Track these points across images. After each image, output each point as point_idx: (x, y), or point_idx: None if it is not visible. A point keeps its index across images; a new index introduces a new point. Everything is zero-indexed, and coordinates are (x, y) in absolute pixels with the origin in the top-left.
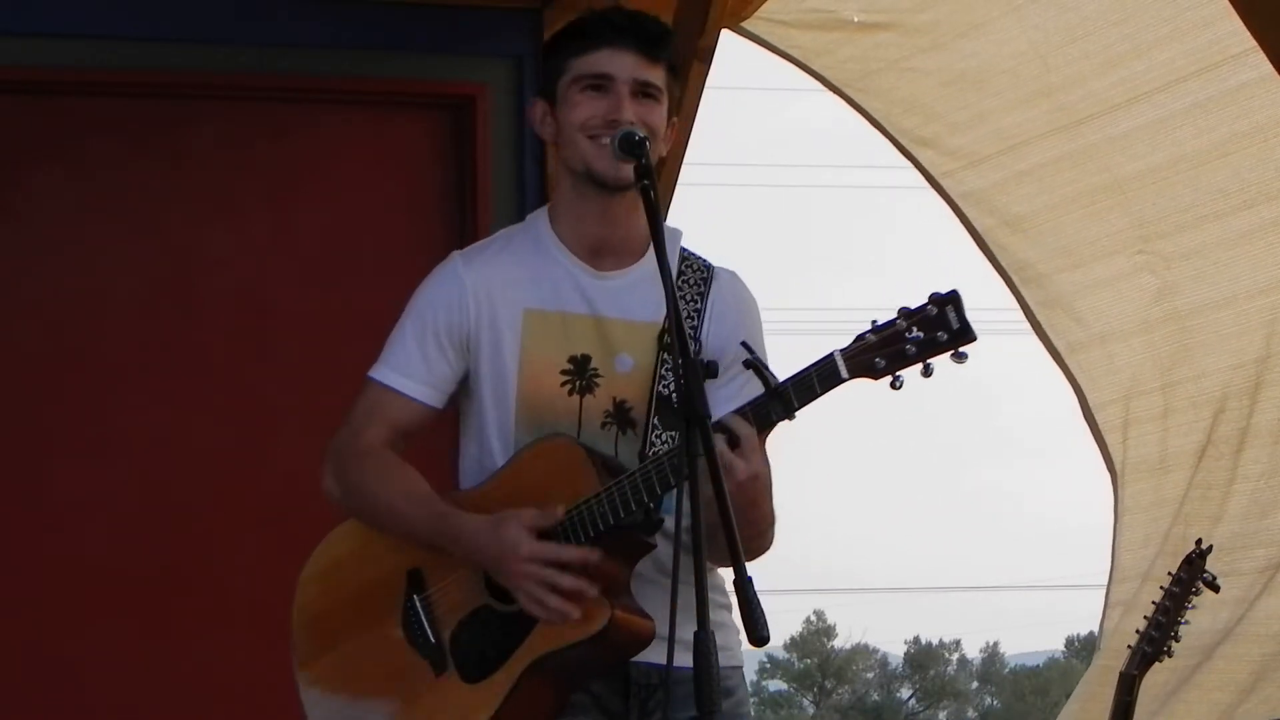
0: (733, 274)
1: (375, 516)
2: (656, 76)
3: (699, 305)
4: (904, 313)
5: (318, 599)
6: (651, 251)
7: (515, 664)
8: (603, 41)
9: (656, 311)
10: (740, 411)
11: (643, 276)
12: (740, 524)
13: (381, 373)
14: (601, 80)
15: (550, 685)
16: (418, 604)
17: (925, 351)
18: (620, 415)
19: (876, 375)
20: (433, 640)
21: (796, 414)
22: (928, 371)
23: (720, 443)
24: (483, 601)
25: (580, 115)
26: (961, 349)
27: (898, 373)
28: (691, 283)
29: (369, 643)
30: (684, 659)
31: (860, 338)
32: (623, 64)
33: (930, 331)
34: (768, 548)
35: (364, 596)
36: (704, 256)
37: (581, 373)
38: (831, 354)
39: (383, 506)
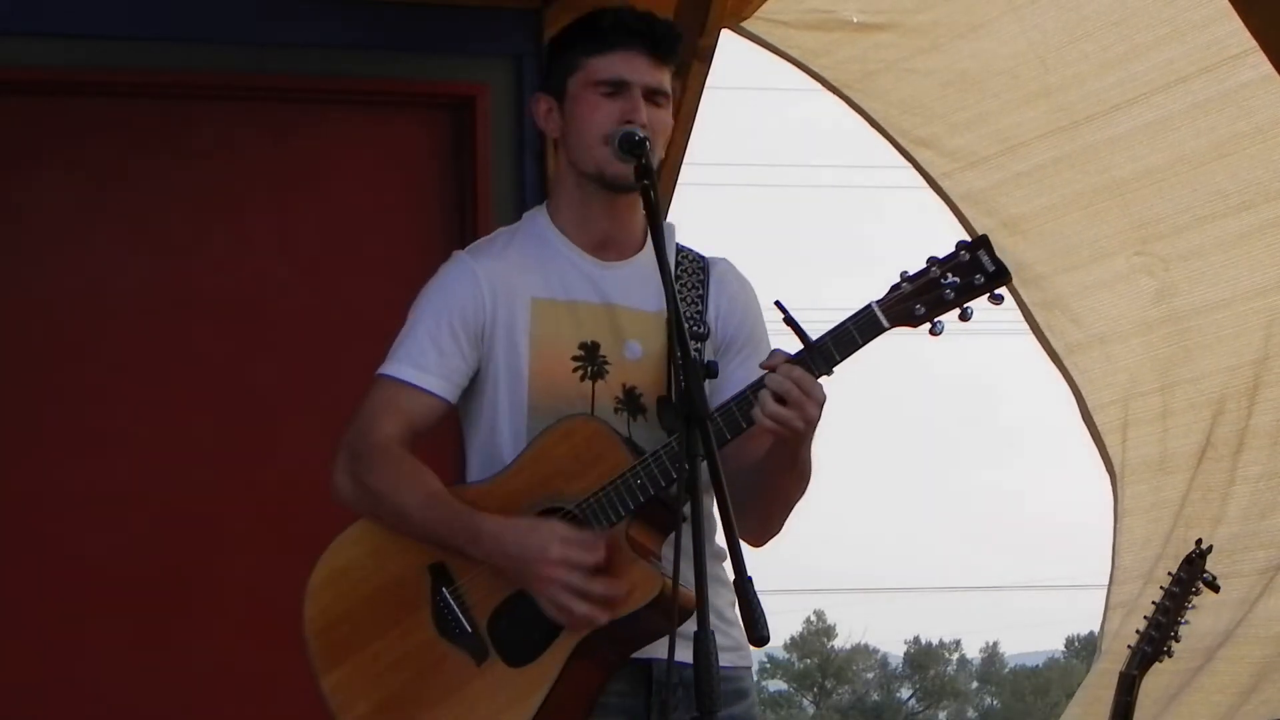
0: (726, 261)
1: (389, 517)
2: (665, 80)
3: (701, 292)
4: (934, 260)
5: (333, 604)
6: (650, 242)
7: (564, 644)
8: (618, 44)
9: (660, 301)
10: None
11: (643, 267)
12: (790, 478)
13: (392, 368)
14: (617, 85)
15: (596, 663)
16: (448, 597)
17: (963, 295)
18: (631, 401)
19: (916, 322)
20: (470, 630)
21: (835, 369)
22: (966, 315)
23: (784, 382)
24: (518, 587)
25: (597, 120)
26: (997, 290)
27: (937, 319)
28: (690, 273)
29: (397, 641)
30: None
31: (895, 288)
32: (636, 68)
33: (966, 275)
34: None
35: (384, 597)
36: (697, 250)
37: (592, 359)
38: (869, 305)
39: (397, 508)
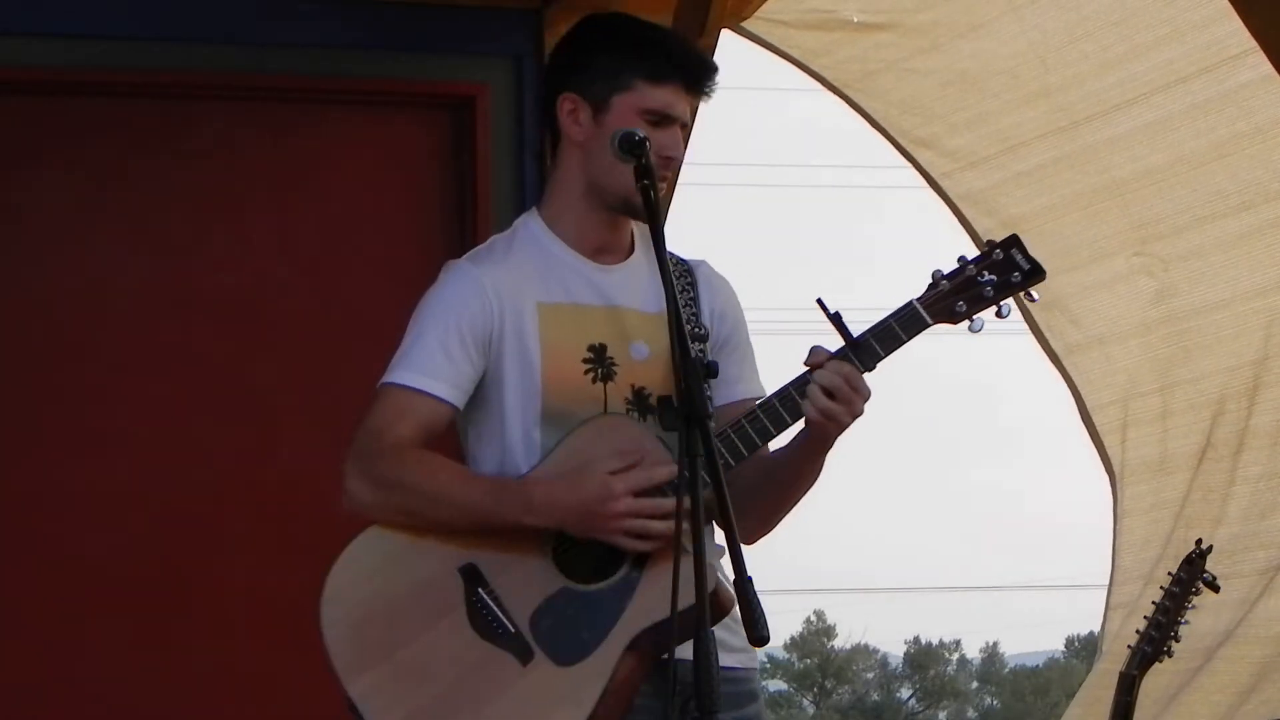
0: (707, 263)
1: (421, 506)
2: (690, 112)
3: (692, 295)
4: (969, 260)
5: (356, 608)
6: (640, 244)
7: (616, 640)
8: (674, 79)
9: (659, 303)
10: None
11: (638, 268)
12: (805, 476)
13: (401, 376)
14: (662, 118)
15: (640, 659)
16: (485, 597)
17: (1003, 292)
18: (640, 402)
19: (957, 319)
20: (512, 630)
21: (878, 365)
22: (1002, 313)
23: (834, 378)
24: (560, 585)
25: None
26: (1032, 289)
27: (977, 315)
28: (678, 276)
29: (432, 644)
30: (725, 659)
31: (933, 286)
32: (680, 103)
33: (1004, 273)
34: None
35: (413, 599)
36: (673, 251)
37: (601, 360)
38: (910, 302)
39: (431, 493)
